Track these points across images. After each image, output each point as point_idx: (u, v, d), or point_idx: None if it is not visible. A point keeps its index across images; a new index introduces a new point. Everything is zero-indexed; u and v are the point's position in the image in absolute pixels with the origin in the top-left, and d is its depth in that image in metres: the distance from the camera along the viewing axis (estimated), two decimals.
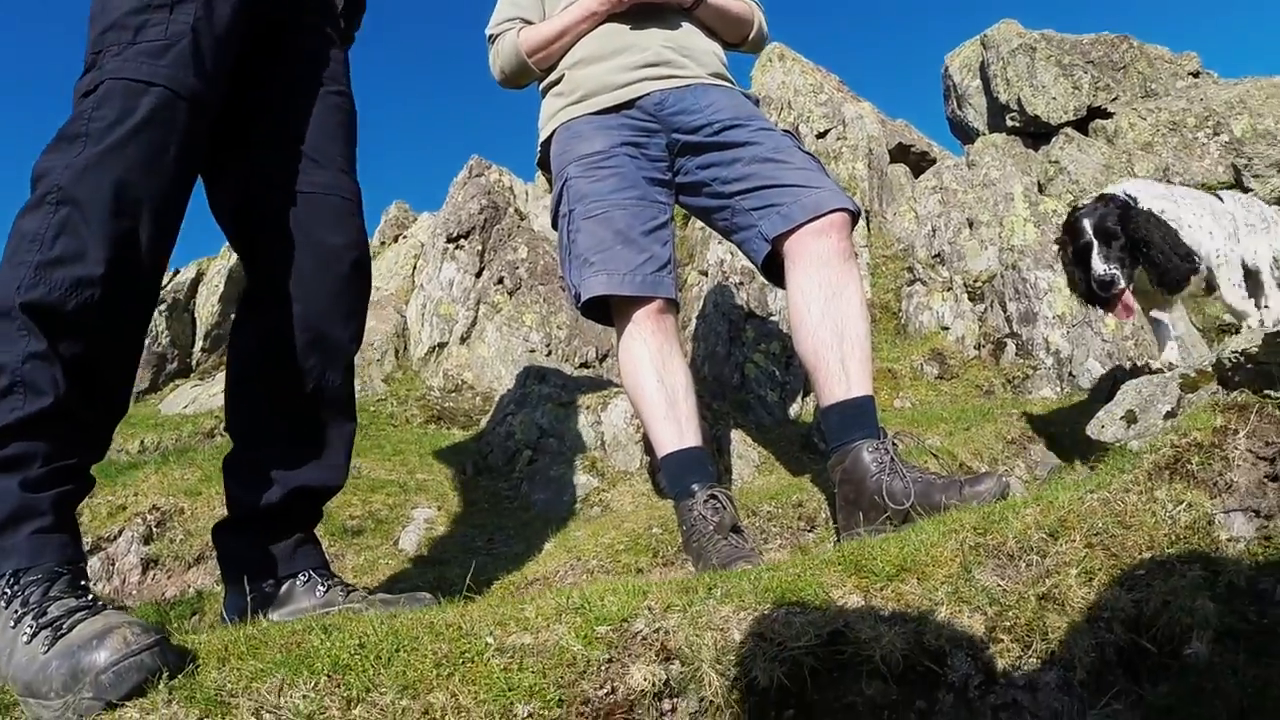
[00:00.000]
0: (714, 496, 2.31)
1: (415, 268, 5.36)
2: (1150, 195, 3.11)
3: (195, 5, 1.73)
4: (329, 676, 1.21)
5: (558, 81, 2.81)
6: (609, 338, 4.86)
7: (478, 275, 4.79)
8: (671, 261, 2.60)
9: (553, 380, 3.93)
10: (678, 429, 2.43)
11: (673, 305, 2.60)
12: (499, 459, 3.58)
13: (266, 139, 1.98)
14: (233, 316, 2.08)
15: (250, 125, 1.96)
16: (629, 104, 2.67)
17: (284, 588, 1.95)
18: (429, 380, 4.50)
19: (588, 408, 3.66)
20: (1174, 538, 1.55)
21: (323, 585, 1.95)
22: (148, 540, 3.03)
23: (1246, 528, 1.62)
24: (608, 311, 2.60)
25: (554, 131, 2.77)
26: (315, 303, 1.96)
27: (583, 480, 3.36)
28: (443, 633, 1.34)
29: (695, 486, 2.35)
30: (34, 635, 1.34)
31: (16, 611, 1.39)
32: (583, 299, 2.52)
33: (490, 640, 1.33)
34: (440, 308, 4.70)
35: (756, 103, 2.81)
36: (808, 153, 2.59)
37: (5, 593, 1.42)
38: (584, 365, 4.58)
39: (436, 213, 5.48)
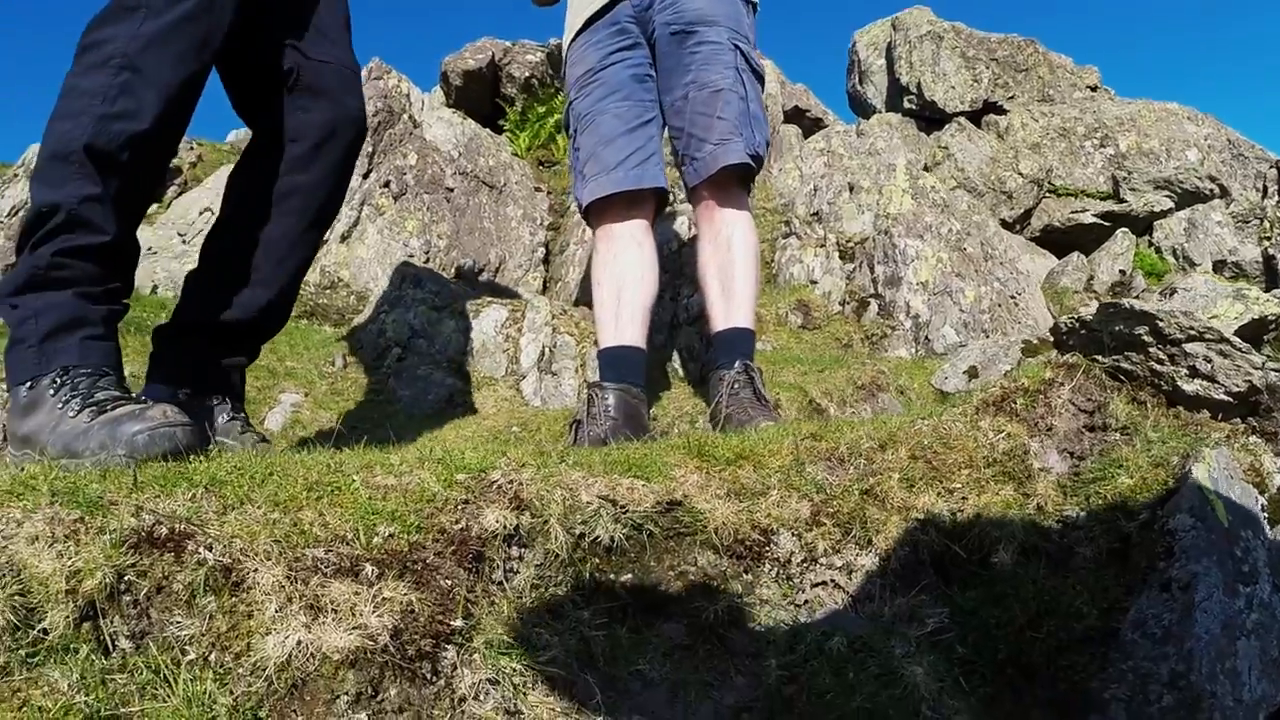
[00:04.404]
0: (625, 390, 2.44)
1: None
2: None
3: None
4: (206, 489, 1.27)
5: None
6: (488, 252, 4.88)
7: (365, 176, 4.72)
8: (657, 153, 2.70)
9: (428, 285, 3.94)
10: (615, 326, 2.56)
11: (657, 194, 2.72)
12: (369, 355, 3.59)
13: (288, 20, 2.12)
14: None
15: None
16: (611, 6, 2.76)
17: (198, 403, 2.00)
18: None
19: (459, 313, 3.70)
20: (990, 460, 1.73)
21: (229, 415, 2.03)
22: None
23: (1061, 465, 1.82)
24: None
25: (565, 54, 2.90)
26: (331, 156, 2.14)
27: (449, 382, 3.41)
28: (313, 466, 1.40)
29: (609, 381, 2.47)
30: (80, 410, 1.54)
31: (65, 396, 1.58)
32: (583, 206, 2.70)
33: (356, 478, 1.39)
34: None
35: (753, 7, 2.88)
36: (741, 82, 2.70)
37: (55, 382, 1.61)
38: (459, 276, 4.60)
39: None
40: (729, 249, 2.64)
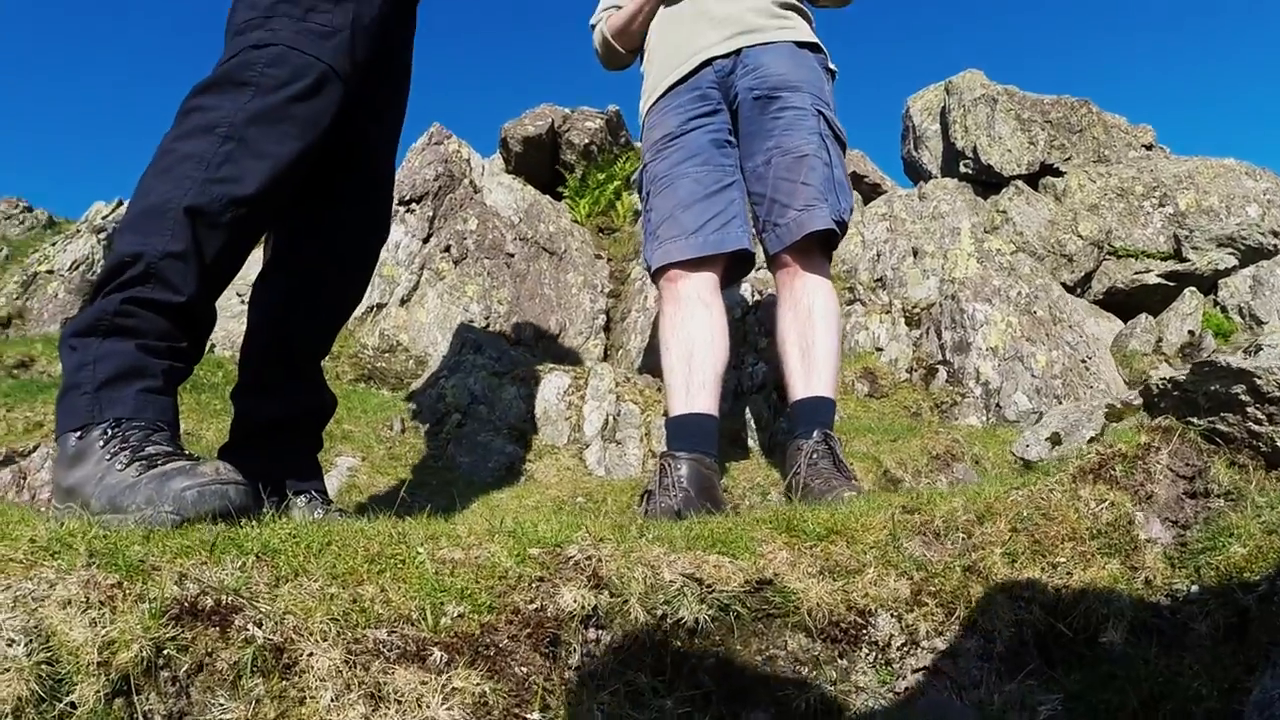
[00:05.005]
0: (699, 460, 2.34)
1: None
2: None
3: (354, 4, 1.97)
4: (258, 557, 1.18)
5: (647, 60, 2.93)
6: (549, 318, 4.83)
7: (425, 240, 4.72)
8: (739, 216, 2.66)
9: (489, 350, 3.90)
10: (686, 393, 2.47)
11: (737, 257, 2.66)
12: (428, 419, 3.53)
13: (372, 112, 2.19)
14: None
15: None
16: (694, 73, 2.74)
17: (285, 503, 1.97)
18: (364, 339, 4.42)
19: (521, 380, 3.64)
20: (1095, 532, 1.59)
21: (323, 507, 2.01)
22: None
23: (1165, 535, 1.68)
24: None
25: (645, 117, 2.88)
26: (357, 270, 2.25)
27: (509, 449, 3.34)
28: (375, 536, 1.31)
29: (682, 451, 2.37)
30: (129, 464, 1.47)
31: (114, 448, 1.51)
32: (652, 269, 2.64)
33: (422, 550, 1.30)
34: (384, 269, 4.63)
35: (831, 74, 2.86)
36: (825, 148, 2.66)
37: (107, 433, 1.54)
38: (520, 343, 4.55)
39: None
40: (810, 316, 2.55)
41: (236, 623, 1.07)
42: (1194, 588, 1.47)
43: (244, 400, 2.12)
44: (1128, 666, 1.38)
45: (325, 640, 1.07)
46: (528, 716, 1.06)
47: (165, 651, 1.03)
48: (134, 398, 1.60)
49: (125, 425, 1.56)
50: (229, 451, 2.07)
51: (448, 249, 4.72)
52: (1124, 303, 6.26)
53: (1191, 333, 5.44)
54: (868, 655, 1.37)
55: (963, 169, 7.50)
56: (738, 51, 2.73)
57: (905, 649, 1.37)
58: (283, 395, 2.09)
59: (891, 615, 1.39)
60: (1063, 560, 1.52)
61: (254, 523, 1.39)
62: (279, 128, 1.80)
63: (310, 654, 1.05)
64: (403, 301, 4.49)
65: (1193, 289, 5.95)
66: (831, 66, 2.87)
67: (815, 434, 2.40)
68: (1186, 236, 6.33)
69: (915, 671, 1.36)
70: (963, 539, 1.55)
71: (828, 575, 1.43)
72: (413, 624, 1.11)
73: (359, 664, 1.05)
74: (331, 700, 1.02)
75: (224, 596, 1.09)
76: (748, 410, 3.82)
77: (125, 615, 1.03)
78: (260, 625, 1.07)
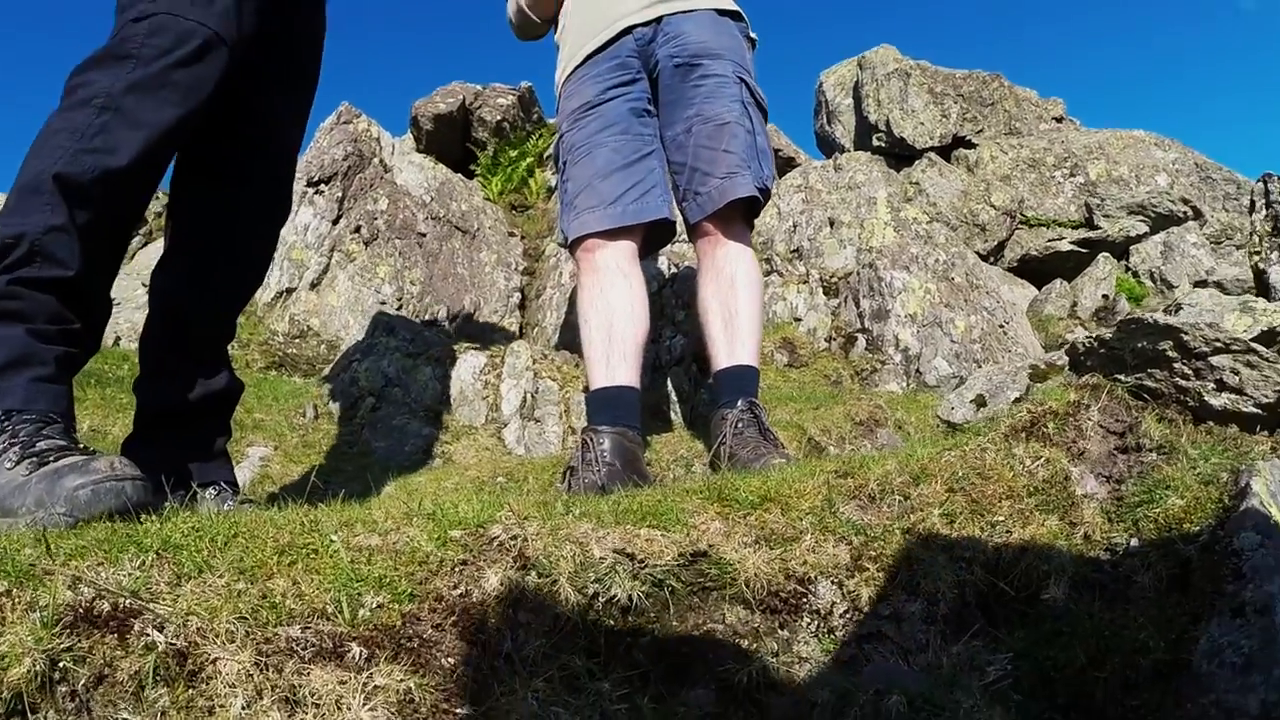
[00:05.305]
0: (622, 434, 2.27)
1: None
2: None
3: None
4: (158, 554, 1.08)
5: (561, 31, 2.83)
6: (463, 297, 4.72)
7: (335, 222, 4.56)
8: (659, 185, 2.58)
9: (402, 332, 3.77)
10: (606, 365, 2.40)
11: (658, 227, 2.59)
12: (341, 404, 3.41)
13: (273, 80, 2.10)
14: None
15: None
16: (613, 41, 2.65)
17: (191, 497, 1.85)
18: (273, 325, 4.25)
19: (436, 360, 3.53)
20: (1031, 489, 1.57)
21: (232, 500, 1.91)
22: None
23: (1100, 490, 1.67)
24: None
25: (560, 87, 2.78)
26: (256, 250, 2.15)
27: (426, 431, 3.24)
28: (285, 526, 1.21)
29: (604, 425, 2.30)
30: (18, 462, 1.37)
31: (2, 446, 1.41)
32: (569, 240, 2.57)
33: (336, 538, 1.21)
34: (293, 252, 4.45)
35: (752, 42, 2.81)
36: (747, 115, 2.61)
37: None
38: (432, 323, 4.43)
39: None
40: (733, 284, 2.51)
41: (136, 627, 0.98)
42: (1133, 541, 1.46)
43: (144, 389, 2.01)
44: (1072, 622, 1.36)
45: (233, 642, 0.98)
46: (457, 712, 0.98)
47: (61, 664, 0.94)
48: (24, 387, 1.50)
49: (15, 418, 1.46)
50: (132, 444, 1.96)
51: (358, 230, 4.57)
52: (1037, 270, 6.38)
53: (1105, 297, 5.57)
54: (809, 624, 1.33)
55: (876, 142, 7.55)
56: (658, 19, 2.65)
57: (848, 616, 1.33)
58: (182, 381, 1.98)
59: (832, 582, 1.35)
60: (1001, 519, 1.50)
61: (155, 519, 1.28)
62: (158, 94, 1.72)
63: (217, 658, 0.96)
64: (313, 285, 4.33)
65: (1106, 254, 6.09)
66: (752, 35, 2.82)
67: (740, 403, 2.36)
68: (1098, 205, 6.47)
69: (860, 638, 1.32)
70: (900, 501, 1.52)
71: (764, 544, 1.38)
72: (328, 618, 1.03)
73: (271, 666, 0.97)
74: (243, 708, 0.94)
75: (121, 599, 0.99)
76: (668, 383, 3.77)
77: (15, 627, 0.94)
78: (162, 629, 0.98)
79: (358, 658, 0.98)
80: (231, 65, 1.86)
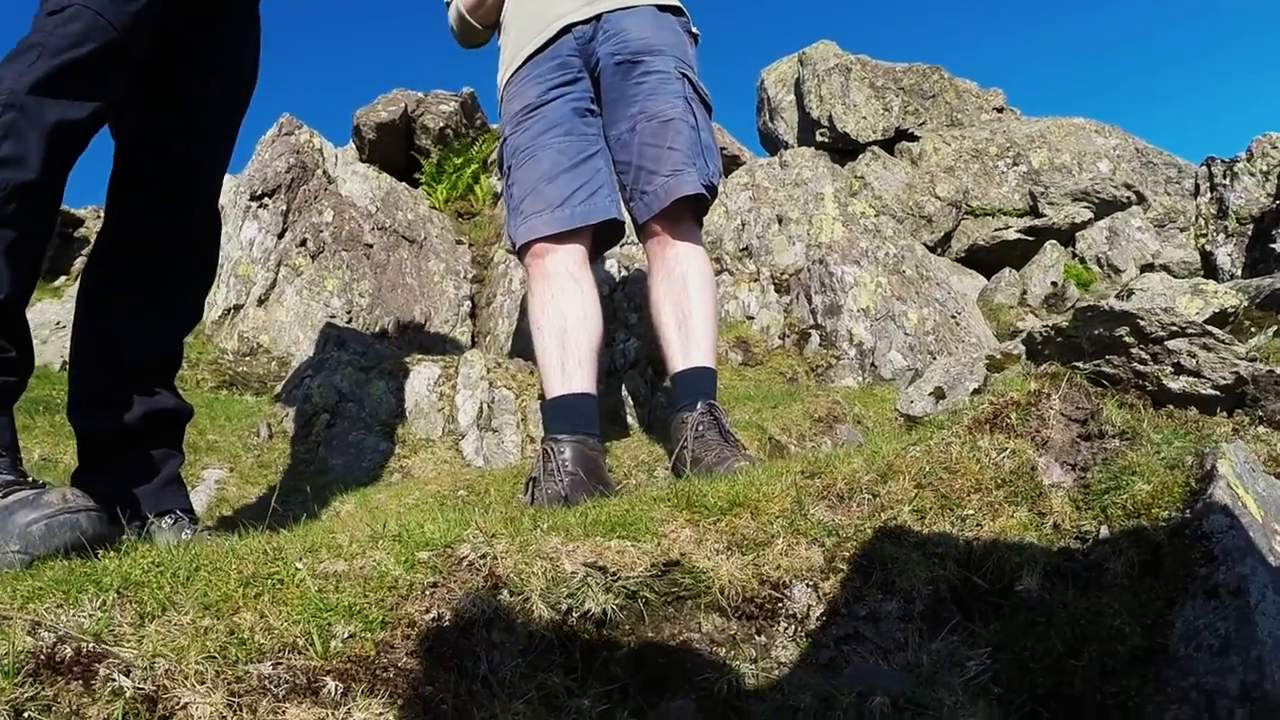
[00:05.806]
0: (582, 442, 2.24)
1: None
2: None
3: None
4: (119, 593, 1.04)
5: (503, 33, 2.79)
6: (413, 308, 4.66)
7: (280, 236, 4.48)
8: (606, 185, 2.55)
9: (353, 346, 3.72)
10: (561, 373, 2.36)
11: (610, 228, 2.57)
12: (295, 422, 3.35)
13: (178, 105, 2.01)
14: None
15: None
16: (553, 40, 2.62)
17: (147, 527, 1.80)
18: (222, 344, 4.17)
19: (389, 374, 3.48)
20: (999, 481, 1.58)
21: (190, 528, 1.84)
22: None
23: (1066, 478, 1.68)
24: None
25: (502, 90, 2.73)
26: (182, 265, 2.02)
27: (383, 446, 3.19)
28: (248, 556, 1.18)
29: (563, 434, 2.26)
30: None
31: None
32: (517, 245, 2.51)
33: (301, 566, 1.18)
34: (239, 268, 4.37)
35: (694, 38, 2.78)
36: (691, 111, 2.59)
37: None
38: (383, 335, 4.38)
39: (238, 174, 5.11)
40: (685, 284, 2.48)
41: (101, 673, 0.93)
42: (1103, 528, 1.47)
43: (80, 418, 1.92)
44: (1047, 612, 1.36)
45: (203, 683, 0.94)
46: None
47: (26, 714, 0.89)
48: None
49: None
50: (80, 476, 1.88)
51: (304, 243, 4.50)
52: (985, 259, 6.46)
53: (1054, 284, 5.65)
54: (786, 629, 1.32)
55: (819, 138, 7.60)
56: (598, 17, 2.62)
57: (824, 618, 1.32)
58: (119, 407, 1.89)
59: (807, 585, 1.34)
60: (971, 513, 1.50)
61: (113, 553, 1.23)
62: (62, 92, 1.65)
63: (187, 702, 0.92)
64: (260, 301, 4.26)
65: (1053, 242, 6.18)
66: (694, 30, 2.80)
67: (699, 405, 2.34)
68: (1042, 193, 6.57)
69: (838, 640, 1.31)
70: (869, 500, 1.51)
71: (736, 550, 1.37)
72: (299, 652, 0.99)
73: (244, 706, 0.93)
74: None
75: (84, 643, 0.95)
76: (624, 388, 3.75)
77: None
78: (128, 673, 0.94)
79: (333, 693, 0.95)
80: (134, 68, 1.79)
